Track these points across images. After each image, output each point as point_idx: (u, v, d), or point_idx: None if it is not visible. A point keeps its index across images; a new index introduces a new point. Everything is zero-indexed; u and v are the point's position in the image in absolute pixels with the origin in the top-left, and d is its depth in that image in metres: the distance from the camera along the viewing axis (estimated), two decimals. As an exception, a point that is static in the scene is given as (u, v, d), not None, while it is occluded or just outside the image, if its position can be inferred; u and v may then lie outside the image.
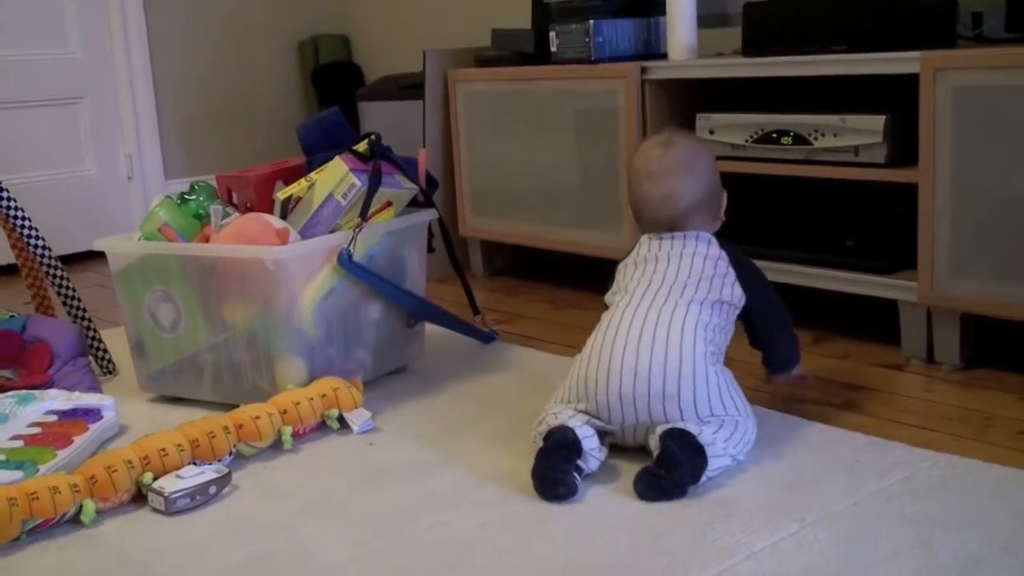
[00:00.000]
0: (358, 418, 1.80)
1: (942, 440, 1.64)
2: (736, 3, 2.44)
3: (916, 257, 1.96)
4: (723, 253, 1.66)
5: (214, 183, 2.07)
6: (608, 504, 1.46)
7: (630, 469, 1.50)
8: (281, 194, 1.94)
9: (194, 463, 1.60)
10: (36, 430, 1.70)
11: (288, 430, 1.72)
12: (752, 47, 2.25)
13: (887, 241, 2.16)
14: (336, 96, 3.77)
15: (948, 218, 1.90)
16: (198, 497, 1.53)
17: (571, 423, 1.54)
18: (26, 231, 2.14)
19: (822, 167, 2.11)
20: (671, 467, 1.46)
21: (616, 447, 1.59)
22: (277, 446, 1.73)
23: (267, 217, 1.89)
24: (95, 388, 1.99)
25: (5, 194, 2.12)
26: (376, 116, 3.32)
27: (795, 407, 1.80)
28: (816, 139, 2.11)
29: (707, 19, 2.50)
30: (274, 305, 1.82)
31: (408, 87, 3.18)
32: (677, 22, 2.38)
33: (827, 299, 2.21)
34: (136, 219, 3.40)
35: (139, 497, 1.55)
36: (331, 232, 1.91)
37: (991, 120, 1.82)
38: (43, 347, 2.04)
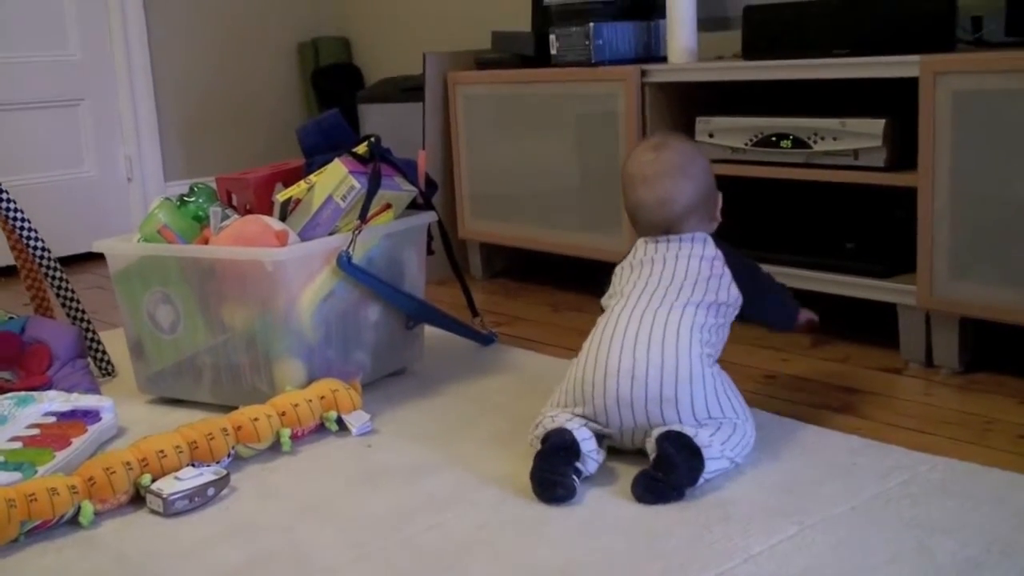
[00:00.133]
0: (357, 420, 1.80)
1: (941, 444, 1.64)
2: (736, 6, 2.44)
3: (915, 261, 1.96)
4: (719, 252, 1.66)
5: (214, 185, 2.07)
6: (606, 506, 1.46)
7: (628, 472, 1.50)
8: (280, 196, 1.94)
9: (193, 465, 1.60)
10: (35, 431, 1.70)
11: (287, 432, 1.72)
12: (752, 50, 2.25)
13: (886, 245, 2.16)
14: (336, 98, 3.77)
15: (947, 222, 1.90)
16: (196, 499, 1.53)
17: (569, 426, 1.54)
18: (25, 232, 2.14)
19: (822, 171, 2.11)
20: (668, 470, 1.46)
21: (614, 450, 1.59)
22: (276, 448, 1.72)
23: (266, 219, 1.89)
24: (94, 390, 1.99)
25: (4, 195, 2.12)
26: (376, 118, 3.32)
27: (793, 409, 1.80)
28: (816, 143, 2.11)
29: (707, 22, 2.50)
30: (273, 307, 1.82)
31: (408, 89, 3.18)
32: (677, 25, 2.38)
33: (826, 302, 2.20)
34: (135, 221, 3.40)
35: (137, 499, 1.55)
36: (330, 234, 1.91)
37: (991, 124, 1.82)
38: (42, 349, 2.04)
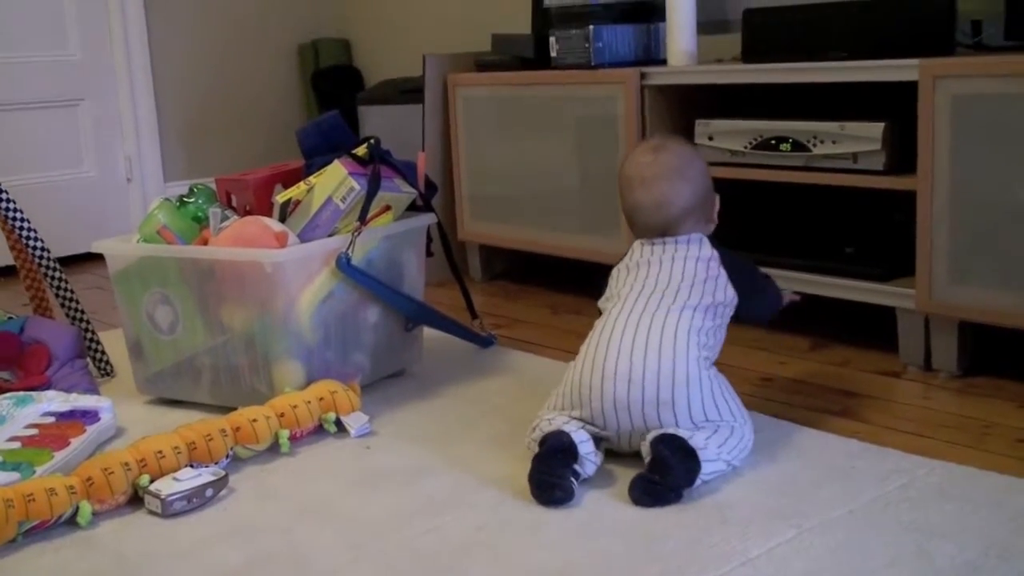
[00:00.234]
0: (355, 422, 1.80)
1: (939, 447, 1.64)
2: (736, 9, 2.44)
3: (914, 264, 1.96)
4: (715, 253, 1.66)
5: (213, 186, 2.07)
6: (604, 509, 1.46)
7: (626, 474, 1.50)
8: (280, 197, 1.94)
9: (191, 466, 1.60)
10: (33, 432, 1.70)
11: (285, 433, 1.72)
12: (752, 53, 2.26)
13: (885, 248, 2.16)
14: (336, 99, 3.77)
15: (946, 225, 1.90)
16: (195, 500, 1.53)
17: (566, 428, 1.54)
18: (25, 232, 2.14)
19: (821, 174, 2.11)
20: (664, 471, 1.46)
21: (612, 453, 1.59)
22: (274, 449, 1.72)
23: (266, 220, 1.89)
24: (93, 390, 1.99)
25: (4, 195, 2.12)
26: (376, 120, 3.32)
27: (791, 412, 1.80)
28: (815, 146, 2.11)
29: (707, 25, 2.51)
30: (272, 308, 1.82)
31: (408, 91, 3.18)
32: (677, 28, 2.38)
33: (825, 305, 2.21)
34: (135, 221, 3.40)
35: (136, 499, 1.55)
36: (330, 235, 1.91)
37: (990, 128, 1.82)
38: (41, 349, 2.04)
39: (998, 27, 2.03)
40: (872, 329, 2.20)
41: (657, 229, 1.67)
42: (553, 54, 2.61)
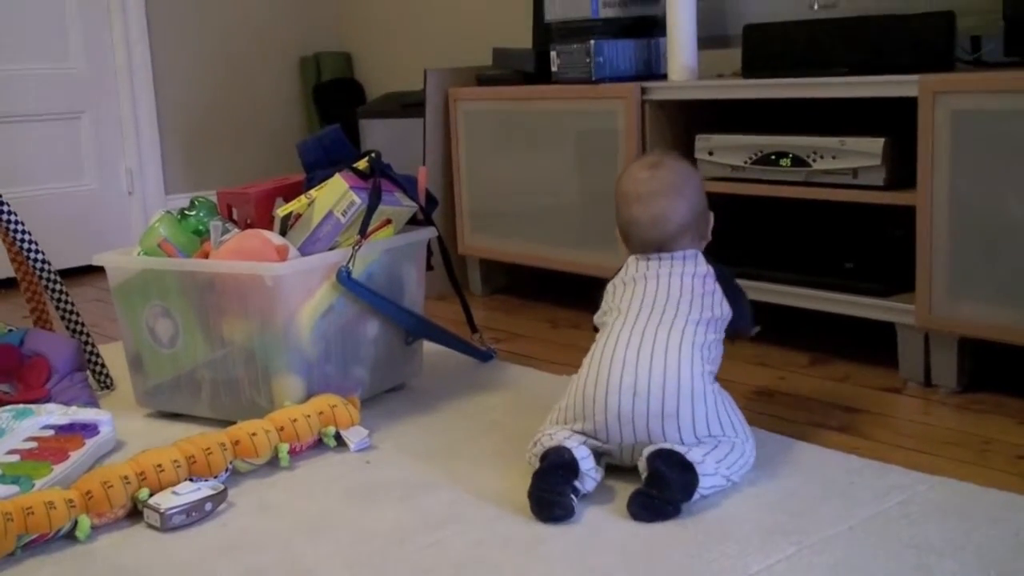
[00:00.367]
0: (355, 436, 1.79)
1: (939, 464, 1.64)
2: (736, 24, 2.45)
3: (914, 280, 1.96)
4: (710, 269, 1.66)
5: (214, 199, 2.08)
6: (604, 525, 1.46)
7: (627, 490, 1.50)
8: (281, 211, 1.94)
9: (190, 479, 1.60)
10: (33, 444, 1.70)
11: (285, 447, 1.72)
12: (752, 69, 2.26)
13: (885, 263, 2.16)
14: (337, 113, 3.78)
15: (946, 241, 1.90)
16: (194, 514, 1.52)
17: (568, 443, 1.53)
18: (26, 245, 2.14)
19: (821, 189, 2.12)
20: (662, 486, 1.45)
21: (613, 468, 1.59)
22: (274, 463, 1.72)
23: (267, 234, 1.89)
24: (92, 403, 1.99)
25: (5, 208, 2.12)
26: (377, 134, 3.32)
27: (791, 428, 1.80)
28: (815, 161, 2.11)
29: (707, 40, 2.51)
30: (272, 322, 1.82)
31: (409, 105, 3.19)
32: (677, 43, 2.38)
33: (825, 321, 2.21)
34: (136, 234, 3.40)
35: (135, 513, 1.55)
36: (330, 249, 1.92)
37: (989, 144, 1.83)
38: (41, 361, 2.04)
39: (998, 43, 2.04)
40: (872, 344, 2.20)
41: (653, 245, 1.67)
42: (554, 69, 2.62)
